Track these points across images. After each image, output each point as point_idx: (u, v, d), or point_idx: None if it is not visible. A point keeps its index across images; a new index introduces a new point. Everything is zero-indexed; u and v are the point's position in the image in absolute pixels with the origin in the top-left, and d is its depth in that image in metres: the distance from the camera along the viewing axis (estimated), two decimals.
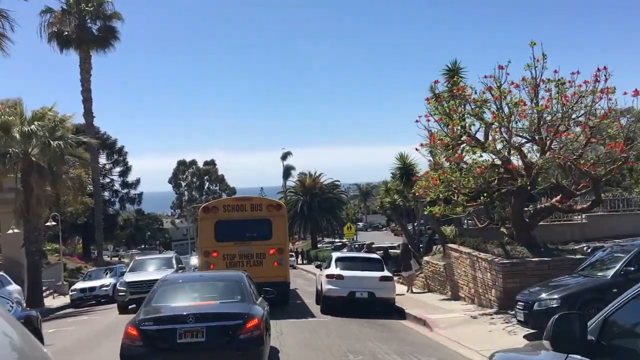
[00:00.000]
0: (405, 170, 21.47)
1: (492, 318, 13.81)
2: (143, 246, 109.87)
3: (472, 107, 15.02)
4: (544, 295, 10.92)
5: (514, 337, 11.60)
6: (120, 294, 20.36)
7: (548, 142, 14.62)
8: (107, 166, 65.55)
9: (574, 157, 14.01)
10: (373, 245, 36.44)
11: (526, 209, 16.84)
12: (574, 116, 14.69)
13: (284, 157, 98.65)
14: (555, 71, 14.65)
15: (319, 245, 62.28)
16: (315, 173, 62.26)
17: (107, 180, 66.15)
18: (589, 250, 14.66)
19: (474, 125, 14.72)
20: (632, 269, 10.75)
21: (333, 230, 78.82)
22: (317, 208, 58.51)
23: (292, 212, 52.29)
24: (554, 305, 10.51)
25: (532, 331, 11.39)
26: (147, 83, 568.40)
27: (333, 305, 16.53)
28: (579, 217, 20.46)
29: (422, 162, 22.43)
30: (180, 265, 23.09)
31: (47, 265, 38.62)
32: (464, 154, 14.72)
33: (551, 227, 18.75)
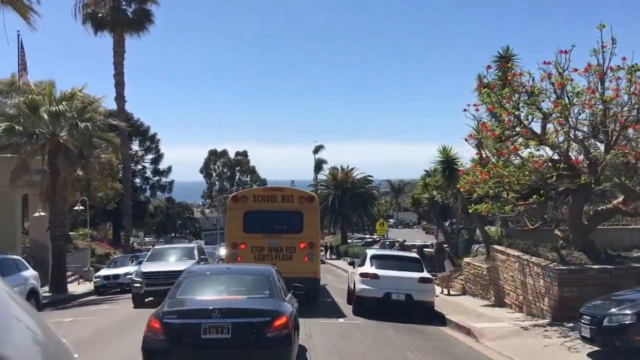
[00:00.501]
0: (448, 164, 19.99)
1: (546, 330, 12.38)
2: (173, 234, 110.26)
3: (529, 95, 13.57)
4: (614, 310, 9.47)
5: (576, 355, 10.20)
6: (135, 284, 18.56)
7: (614, 137, 13.08)
8: (139, 153, 65.39)
9: None
10: (406, 243, 35.02)
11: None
12: None
13: (316, 150, 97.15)
14: (624, 58, 13.13)
15: (348, 241, 60.98)
16: (348, 167, 61.00)
17: (139, 167, 66.05)
18: None
19: (531, 115, 13.22)
20: None
21: (363, 226, 77.44)
22: (348, 203, 57.27)
23: (322, 206, 51.07)
24: (628, 322, 9.07)
25: (597, 349, 9.99)
26: (182, 72, 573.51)
27: (366, 306, 15.32)
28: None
29: (465, 157, 20.96)
30: (202, 257, 21.22)
31: (74, 250, 38.28)
32: (518, 146, 13.24)
33: (608, 231, 17.12)
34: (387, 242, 44.60)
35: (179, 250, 21.93)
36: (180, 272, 17.32)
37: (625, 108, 13.10)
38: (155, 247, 23.26)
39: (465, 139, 14.23)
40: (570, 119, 12.81)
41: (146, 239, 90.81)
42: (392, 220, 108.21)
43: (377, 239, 62.75)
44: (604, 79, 13.22)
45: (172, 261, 19.75)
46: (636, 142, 12.75)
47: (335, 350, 10.55)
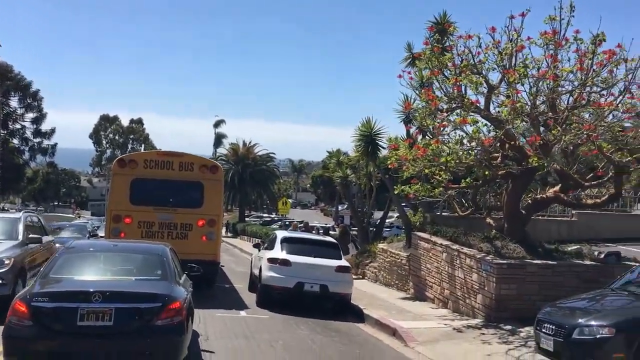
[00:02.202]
0: (371, 140, 18.05)
1: (483, 333, 10.72)
2: (56, 203, 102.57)
3: (473, 63, 11.79)
4: (582, 321, 7.81)
5: None
6: None
7: (564, 116, 11.59)
8: (19, 110, 58.72)
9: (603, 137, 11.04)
10: (310, 225, 33.01)
11: None
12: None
13: (217, 124, 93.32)
14: (577, 31, 11.68)
15: (246, 219, 58.40)
16: (250, 142, 58.13)
17: (18, 126, 59.39)
18: (601, 256, 11.85)
19: (481, 84, 11.43)
20: None
21: (262, 204, 75.09)
22: (248, 179, 54.54)
23: None
24: (606, 335, 7.43)
25: None
26: (75, 31, 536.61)
27: (274, 297, 13.07)
28: (569, 213, 17.88)
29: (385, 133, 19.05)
30: (32, 236, 12.06)
31: None
32: (464, 118, 11.37)
33: (535, 222, 15.94)
34: (286, 222, 42.54)
35: None
36: None
37: (576, 84, 11.68)
38: None
39: (405, 107, 12.18)
40: (525, 93, 11.18)
41: (27, 206, 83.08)
42: (291, 200, 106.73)
43: (276, 218, 60.78)
44: (558, 51, 11.75)
45: None
46: (597, 123, 11.27)
47: None
